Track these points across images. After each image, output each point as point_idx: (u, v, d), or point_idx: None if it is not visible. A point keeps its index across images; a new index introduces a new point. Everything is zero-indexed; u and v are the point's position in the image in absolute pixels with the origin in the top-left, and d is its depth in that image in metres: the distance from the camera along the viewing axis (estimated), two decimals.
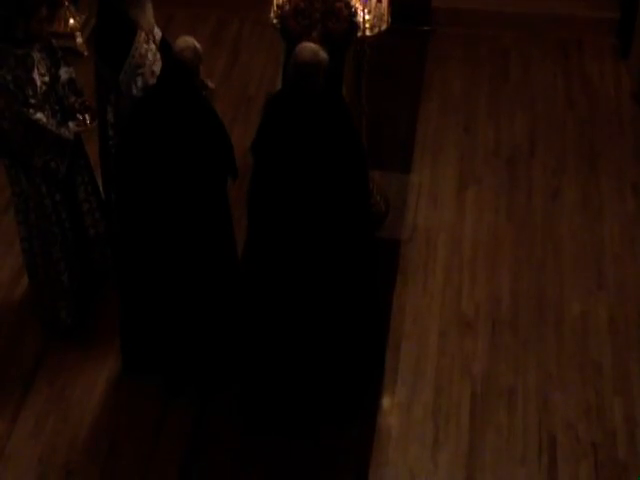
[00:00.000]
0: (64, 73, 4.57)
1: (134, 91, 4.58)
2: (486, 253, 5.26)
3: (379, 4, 4.65)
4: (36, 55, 4.38)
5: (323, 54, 3.88)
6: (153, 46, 4.66)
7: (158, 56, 4.66)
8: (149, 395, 4.59)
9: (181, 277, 4.29)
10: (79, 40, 6.58)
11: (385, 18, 4.68)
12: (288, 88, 4.01)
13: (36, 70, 4.37)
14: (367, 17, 4.59)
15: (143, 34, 4.59)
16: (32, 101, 4.35)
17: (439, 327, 4.89)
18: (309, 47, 3.90)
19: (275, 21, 4.60)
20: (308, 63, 3.83)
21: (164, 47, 4.70)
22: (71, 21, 6.62)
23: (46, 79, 4.43)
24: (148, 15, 4.63)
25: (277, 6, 4.58)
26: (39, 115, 4.37)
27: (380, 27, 4.67)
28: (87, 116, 4.63)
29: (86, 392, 4.64)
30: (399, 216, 5.40)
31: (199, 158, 4.10)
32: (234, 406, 4.50)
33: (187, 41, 4.09)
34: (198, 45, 4.11)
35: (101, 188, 4.97)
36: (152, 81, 4.53)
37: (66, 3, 6.60)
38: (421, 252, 5.26)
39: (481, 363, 4.72)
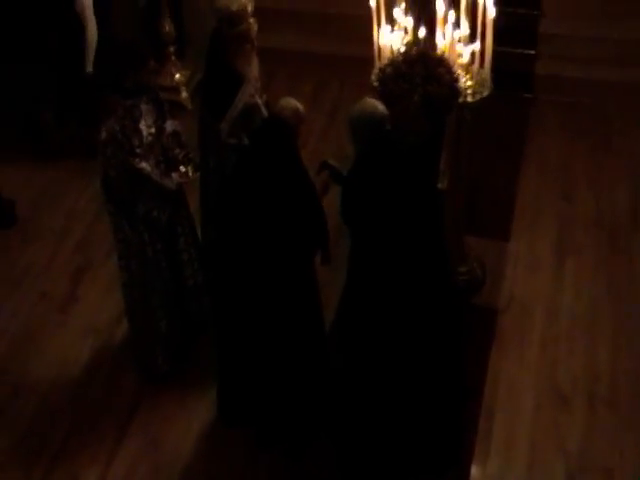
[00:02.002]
0: (169, 125, 4.76)
1: (232, 140, 4.77)
2: (585, 326, 5.22)
3: (481, 70, 4.75)
4: (144, 107, 4.60)
5: (380, 106, 4.12)
6: (259, 100, 4.83)
7: (264, 112, 4.83)
8: (240, 446, 4.67)
9: (269, 335, 4.38)
10: (184, 94, 6.85)
11: (487, 84, 4.76)
12: (366, 149, 4.14)
13: (143, 121, 4.58)
14: (469, 83, 4.68)
15: (250, 87, 4.78)
16: (138, 151, 4.54)
17: (534, 400, 4.85)
18: (367, 100, 4.17)
19: (376, 84, 4.56)
20: (364, 114, 4.11)
21: (267, 110, 4.90)
22: (177, 75, 6.91)
23: (152, 130, 4.63)
24: (253, 68, 4.85)
25: (378, 69, 4.63)
26: (144, 165, 4.56)
27: (482, 93, 4.74)
28: (190, 168, 4.79)
29: (179, 441, 4.75)
30: (496, 284, 5.42)
31: (287, 220, 4.19)
32: (325, 458, 4.55)
33: (289, 102, 4.27)
34: (301, 107, 4.27)
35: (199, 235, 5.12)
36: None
37: (173, 58, 6.92)
38: (517, 322, 5.25)
39: (577, 440, 4.66)
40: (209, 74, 4.93)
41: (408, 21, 4.71)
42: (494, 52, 4.67)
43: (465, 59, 4.63)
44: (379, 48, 4.69)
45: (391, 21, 4.70)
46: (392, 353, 4.17)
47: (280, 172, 4.17)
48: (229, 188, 4.36)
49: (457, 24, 4.58)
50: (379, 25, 4.64)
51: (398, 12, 4.70)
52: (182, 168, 4.76)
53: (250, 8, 4.75)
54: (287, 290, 4.29)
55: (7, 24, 6.17)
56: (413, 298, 4.10)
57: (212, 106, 4.83)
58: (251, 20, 4.75)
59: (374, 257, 4.09)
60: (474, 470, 4.55)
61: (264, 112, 4.84)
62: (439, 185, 4.68)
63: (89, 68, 6.06)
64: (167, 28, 6.80)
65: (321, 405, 4.58)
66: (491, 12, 4.54)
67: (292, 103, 4.25)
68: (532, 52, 6.74)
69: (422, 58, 4.43)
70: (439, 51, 4.63)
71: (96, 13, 6.71)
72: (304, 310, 4.39)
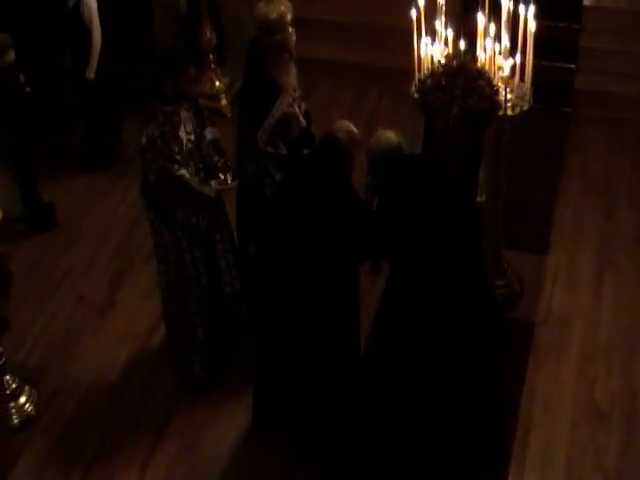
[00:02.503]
0: (209, 133, 4.84)
1: (269, 149, 4.84)
2: (623, 343, 5.23)
3: (522, 84, 4.81)
4: (183, 114, 4.68)
5: (393, 136, 4.26)
6: (297, 109, 4.90)
7: (302, 121, 4.90)
8: (276, 452, 4.74)
9: (306, 342, 4.44)
10: (223, 102, 6.96)
11: (527, 98, 4.82)
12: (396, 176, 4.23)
13: (182, 128, 4.67)
14: (509, 96, 4.73)
15: (288, 97, 4.85)
16: (177, 157, 4.63)
17: (571, 416, 4.87)
18: (381, 133, 4.32)
19: (416, 95, 4.74)
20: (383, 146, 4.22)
21: (306, 119, 4.98)
22: (217, 83, 7.02)
23: (191, 137, 4.72)
24: (291, 78, 4.90)
25: (418, 80, 4.75)
26: (183, 171, 4.65)
27: (522, 107, 4.81)
28: (228, 175, 4.86)
29: (215, 446, 4.84)
30: (534, 298, 5.46)
31: (337, 235, 4.24)
32: (361, 466, 4.60)
33: (343, 124, 4.38)
34: (355, 130, 4.36)
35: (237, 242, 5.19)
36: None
37: (212, 65, 7.02)
38: (555, 337, 5.27)
39: (614, 458, 4.67)
40: (247, 82, 5.00)
41: (448, 33, 4.79)
42: (534, 65, 4.73)
43: (505, 72, 4.68)
44: (419, 59, 4.76)
45: (432, 33, 4.76)
46: (431, 364, 4.23)
47: (331, 192, 4.23)
48: (274, 203, 4.43)
49: (498, 37, 4.65)
50: (419, 37, 4.71)
51: (439, 24, 4.77)
52: (221, 175, 4.83)
53: (289, 17, 4.81)
54: (328, 300, 4.34)
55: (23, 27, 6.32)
56: (451, 310, 4.16)
57: (250, 114, 4.90)
58: (290, 29, 4.81)
59: (412, 272, 4.16)
60: None
61: (302, 122, 4.92)
62: (477, 198, 4.77)
63: (91, 74, 6.17)
64: (207, 35, 6.91)
65: (356, 413, 4.62)
66: (532, 25, 4.61)
67: (346, 125, 4.36)
68: (572, 66, 6.77)
69: (462, 71, 4.59)
70: (479, 64, 4.72)
71: (137, 20, 6.91)
72: (342, 319, 4.44)
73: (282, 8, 4.78)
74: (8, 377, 5.04)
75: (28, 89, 5.84)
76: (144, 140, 4.61)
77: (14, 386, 5.05)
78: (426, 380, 4.27)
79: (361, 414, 4.63)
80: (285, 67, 4.85)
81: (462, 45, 4.74)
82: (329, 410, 4.57)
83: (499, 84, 4.67)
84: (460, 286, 4.15)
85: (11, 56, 5.68)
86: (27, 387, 5.10)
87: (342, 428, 4.64)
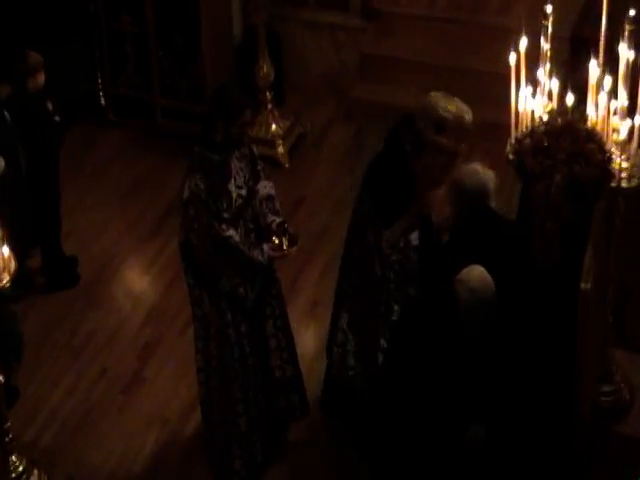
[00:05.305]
0: (263, 187, 4.79)
1: (394, 257, 4.73)
2: None
3: None
4: (234, 164, 4.64)
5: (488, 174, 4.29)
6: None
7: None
8: None
9: None
10: (280, 149, 6.89)
11: None
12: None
13: (233, 181, 4.62)
14: (625, 165, 4.62)
15: (427, 207, 4.78)
16: (225, 215, 4.57)
17: None
18: (472, 169, 4.34)
19: (511, 156, 4.64)
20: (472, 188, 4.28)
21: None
22: (273, 127, 6.95)
23: (243, 192, 4.66)
24: (436, 196, 4.87)
25: (516, 139, 4.66)
26: (231, 232, 4.59)
27: None
28: (284, 240, 4.76)
29: None
30: None
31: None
32: None
33: (471, 273, 4.21)
34: (486, 288, 4.16)
35: None
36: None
37: (269, 106, 6.96)
38: None
39: None
40: (384, 158, 4.87)
41: (553, 85, 4.71)
42: None
43: (621, 136, 4.58)
44: (517, 114, 4.69)
45: (533, 83, 4.69)
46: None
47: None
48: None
49: (614, 92, 4.56)
50: (518, 87, 4.64)
51: (542, 73, 4.68)
52: (275, 239, 4.75)
53: (465, 125, 4.83)
54: None
55: None
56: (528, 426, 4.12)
57: (377, 198, 4.77)
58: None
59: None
60: None
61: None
62: (582, 285, 4.70)
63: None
64: (265, 70, 6.85)
65: None
66: None
67: (473, 279, 4.18)
68: None
69: (568, 131, 4.55)
70: (589, 124, 4.63)
71: (184, 54, 6.94)
72: None
73: (460, 111, 4.83)
74: (14, 458, 5.01)
75: (57, 118, 5.88)
76: (186, 193, 4.56)
77: (20, 469, 5.04)
78: None
79: None
80: (437, 177, 4.82)
81: (569, 100, 4.62)
82: None
83: (613, 149, 4.56)
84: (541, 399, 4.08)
85: (41, 80, 5.76)
86: (36, 471, 5.10)
87: None
